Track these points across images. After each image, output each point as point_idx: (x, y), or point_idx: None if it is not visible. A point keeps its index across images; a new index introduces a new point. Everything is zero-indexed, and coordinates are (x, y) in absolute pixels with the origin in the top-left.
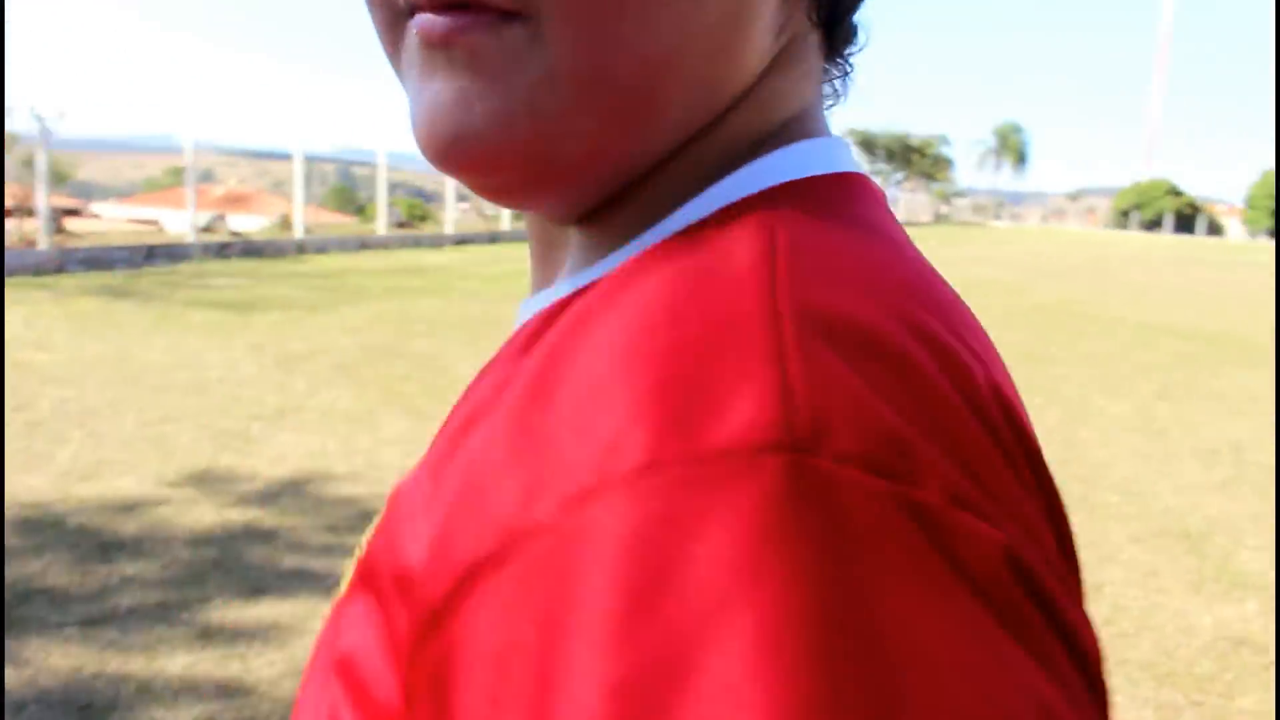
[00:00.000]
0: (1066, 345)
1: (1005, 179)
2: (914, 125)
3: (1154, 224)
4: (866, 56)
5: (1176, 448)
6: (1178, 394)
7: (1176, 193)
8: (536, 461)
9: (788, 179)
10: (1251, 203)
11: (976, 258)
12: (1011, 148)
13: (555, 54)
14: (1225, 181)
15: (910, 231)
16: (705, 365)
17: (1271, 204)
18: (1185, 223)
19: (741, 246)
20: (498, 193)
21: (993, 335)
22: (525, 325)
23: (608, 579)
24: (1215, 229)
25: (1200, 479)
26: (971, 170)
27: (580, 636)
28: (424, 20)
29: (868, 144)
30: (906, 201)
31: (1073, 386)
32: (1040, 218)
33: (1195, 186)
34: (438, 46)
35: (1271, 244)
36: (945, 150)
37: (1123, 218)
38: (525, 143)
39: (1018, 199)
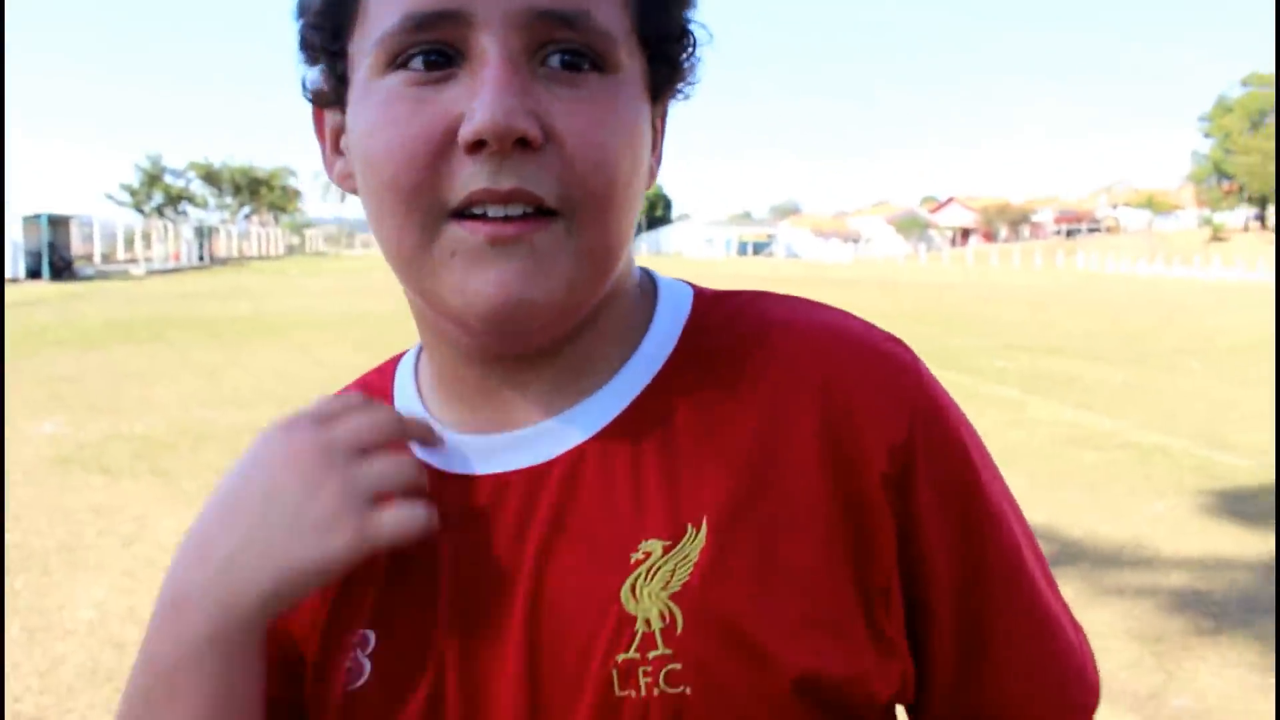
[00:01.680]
0: None
1: (351, 208)
2: (259, 158)
3: None
4: (208, 95)
5: None
6: None
7: None
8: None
9: (690, 290)
10: None
11: (352, 288)
12: None
13: (582, 240)
14: None
15: (267, 264)
16: (874, 333)
17: None
18: None
19: (770, 315)
20: (521, 338)
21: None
22: (600, 439)
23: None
24: None
25: None
26: (317, 201)
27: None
28: (492, 227)
29: (212, 178)
30: (258, 235)
31: None
32: None
33: None
34: (508, 243)
35: None
36: (292, 181)
37: None
38: (563, 301)
39: (366, 227)
